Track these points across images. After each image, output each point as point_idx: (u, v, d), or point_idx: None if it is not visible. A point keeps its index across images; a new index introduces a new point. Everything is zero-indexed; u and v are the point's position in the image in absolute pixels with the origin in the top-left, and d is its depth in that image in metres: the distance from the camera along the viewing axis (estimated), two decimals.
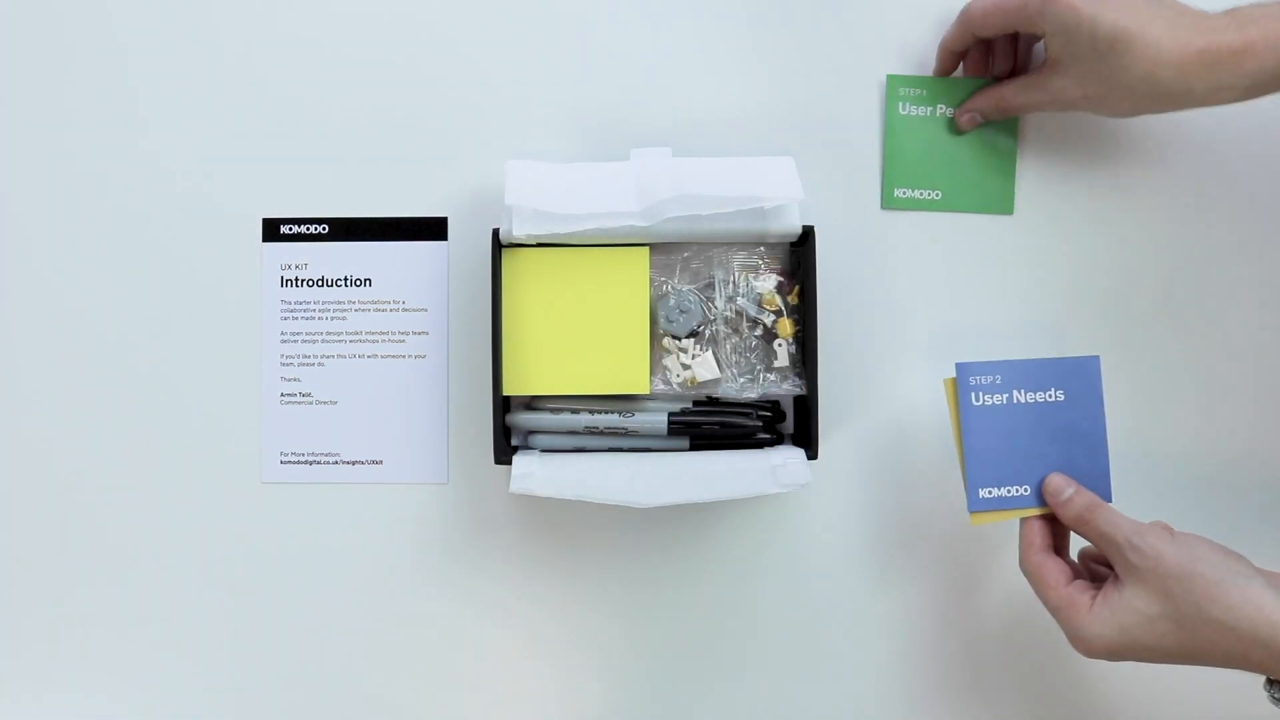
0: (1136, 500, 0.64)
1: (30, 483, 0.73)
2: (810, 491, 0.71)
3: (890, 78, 0.72)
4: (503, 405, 0.68)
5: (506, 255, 0.68)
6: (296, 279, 0.73)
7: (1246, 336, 0.72)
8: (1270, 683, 0.59)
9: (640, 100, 0.72)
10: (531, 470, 0.66)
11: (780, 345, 0.68)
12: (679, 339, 0.69)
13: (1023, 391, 0.63)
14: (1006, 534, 0.67)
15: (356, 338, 0.73)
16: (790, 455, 0.66)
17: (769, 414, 0.69)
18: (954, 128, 0.72)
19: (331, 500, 0.72)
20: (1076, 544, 0.64)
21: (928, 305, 0.72)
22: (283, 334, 0.73)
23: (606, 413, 0.68)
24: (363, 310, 0.73)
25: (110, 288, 0.73)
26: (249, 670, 0.73)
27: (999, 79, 0.71)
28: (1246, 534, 0.64)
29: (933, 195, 0.72)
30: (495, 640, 0.72)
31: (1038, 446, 0.63)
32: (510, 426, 0.70)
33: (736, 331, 0.69)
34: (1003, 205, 0.72)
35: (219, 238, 0.73)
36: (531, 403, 0.70)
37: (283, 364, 0.73)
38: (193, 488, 0.72)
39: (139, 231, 0.73)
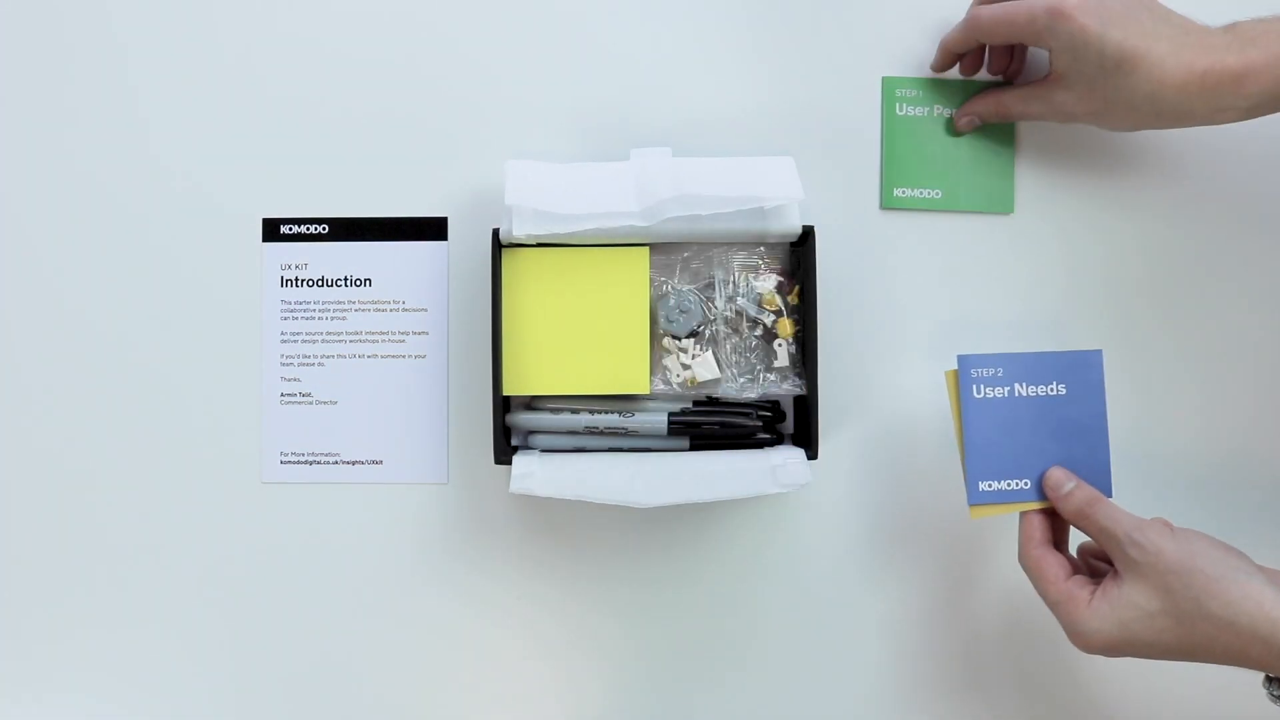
0: (1136, 496, 0.64)
1: (30, 483, 0.73)
2: (810, 491, 0.71)
3: (886, 80, 0.72)
4: (503, 405, 0.68)
5: (506, 255, 0.68)
6: (296, 279, 0.73)
7: (1246, 334, 0.72)
8: (1269, 680, 0.59)
9: (640, 100, 0.72)
10: (531, 470, 0.66)
11: (780, 345, 0.69)
12: (679, 339, 0.69)
13: (1024, 384, 0.63)
14: (1005, 534, 0.67)
15: (356, 338, 0.73)
16: (790, 455, 0.66)
17: (769, 414, 0.69)
18: (952, 128, 0.72)
19: (331, 500, 0.72)
20: (1075, 539, 0.64)
21: (927, 305, 0.72)
22: (283, 334, 0.73)
23: (606, 413, 0.68)
24: (363, 310, 0.73)
25: (110, 288, 0.73)
26: (249, 670, 0.72)
27: (993, 75, 0.71)
28: (1246, 530, 0.64)
29: (932, 195, 0.72)
30: (495, 640, 0.72)
31: (1038, 440, 0.63)
32: (510, 426, 0.70)
33: (736, 331, 0.69)
34: (1002, 204, 0.72)
35: (219, 238, 0.73)
36: (531, 403, 0.70)
37: (283, 364, 0.73)
38: (193, 488, 0.72)
39: (139, 231, 0.73)
